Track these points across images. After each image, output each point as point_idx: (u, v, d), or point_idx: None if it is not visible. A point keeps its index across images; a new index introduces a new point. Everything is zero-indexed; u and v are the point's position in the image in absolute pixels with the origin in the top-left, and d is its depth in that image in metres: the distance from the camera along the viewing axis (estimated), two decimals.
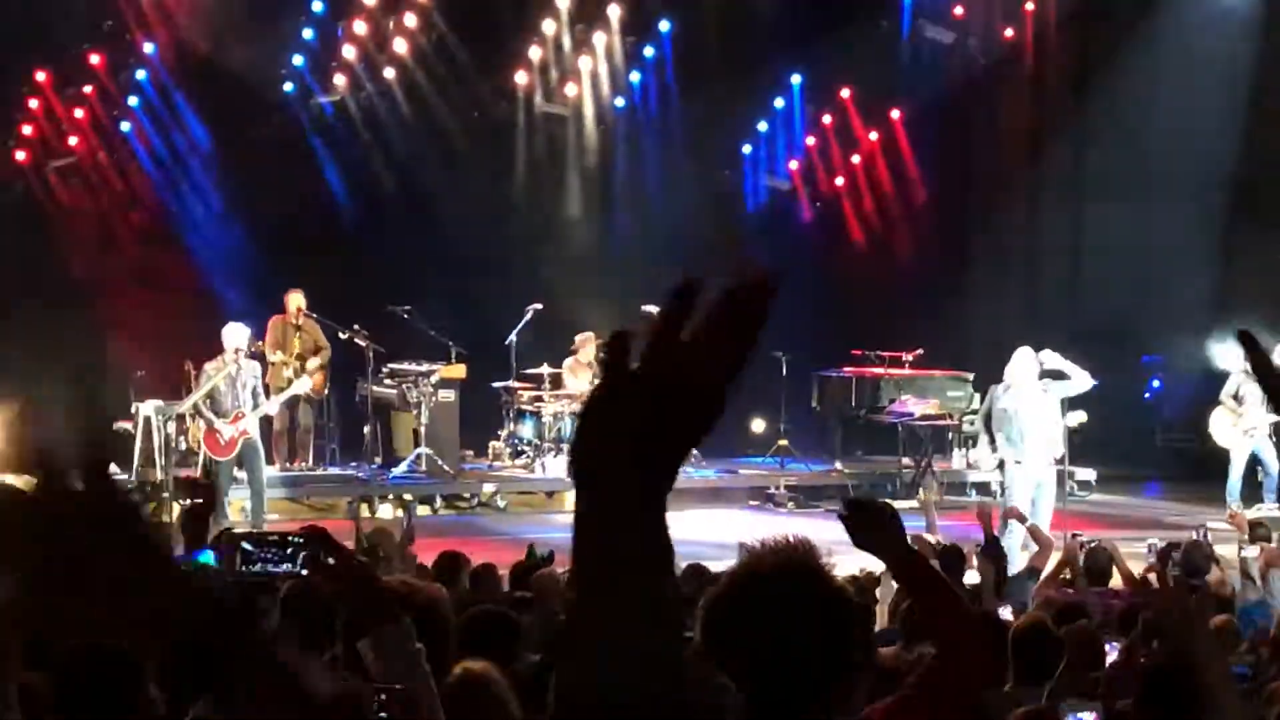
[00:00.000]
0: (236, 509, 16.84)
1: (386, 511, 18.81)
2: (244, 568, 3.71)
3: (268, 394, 17.64)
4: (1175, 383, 24.84)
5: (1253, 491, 19.05)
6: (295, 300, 19.75)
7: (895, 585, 10.42)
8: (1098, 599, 10.06)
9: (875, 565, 11.25)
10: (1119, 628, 8.09)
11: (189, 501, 4.98)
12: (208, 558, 4.89)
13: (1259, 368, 2.90)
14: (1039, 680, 6.70)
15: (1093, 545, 11.63)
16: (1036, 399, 15.54)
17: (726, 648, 2.83)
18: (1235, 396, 19.19)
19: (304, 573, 3.63)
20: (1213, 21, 23.70)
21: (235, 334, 16.53)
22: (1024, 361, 15.68)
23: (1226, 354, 20.23)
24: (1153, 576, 11.32)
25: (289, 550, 3.69)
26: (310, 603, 4.41)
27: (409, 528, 11.92)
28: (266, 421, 18.61)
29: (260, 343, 19.05)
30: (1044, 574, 11.18)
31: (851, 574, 10.57)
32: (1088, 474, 21.00)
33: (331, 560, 3.44)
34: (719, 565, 11.04)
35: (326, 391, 20.33)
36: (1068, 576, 11.06)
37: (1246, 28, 23.72)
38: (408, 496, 15.12)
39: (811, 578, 2.88)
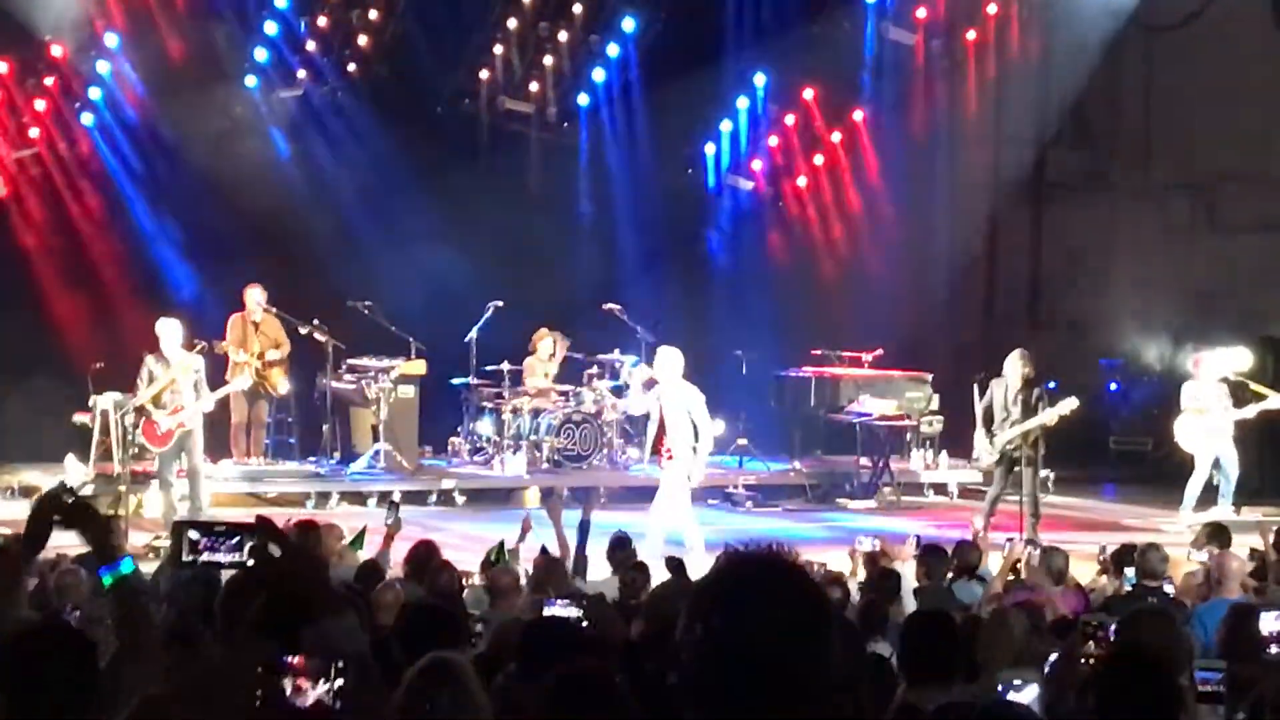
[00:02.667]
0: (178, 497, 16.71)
1: (343, 509, 18.78)
2: (190, 557, 3.70)
3: (214, 389, 17.58)
4: (1132, 386, 24.98)
5: (1205, 494, 19.12)
6: (254, 296, 19.70)
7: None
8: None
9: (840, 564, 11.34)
10: (1053, 633, 8.15)
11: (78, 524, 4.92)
12: (127, 566, 4.86)
13: None
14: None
15: (1048, 547, 11.70)
16: (673, 399, 15.46)
17: (711, 640, 2.85)
18: (1195, 399, 19.24)
19: (250, 563, 3.63)
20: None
21: (169, 329, 16.57)
22: (671, 360, 15.59)
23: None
24: (1104, 580, 11.45)
25: (236, 540, 3.68)
26: (247, 596, 4.42)
27: (395, 522, 12.02)
28: (225, 415, 18.62)
29: (223, 343, 19.02)
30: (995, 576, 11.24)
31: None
32: (1043, 475, 21.04)
33: (277, 551, 3.45)
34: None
35: (286, 389, 20.27)
36: (1013, 578, 11.13)
37: None
38: (396, 497, 15.22)
39: (797, 575, 2.90)
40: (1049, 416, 16.89)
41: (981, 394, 17.88)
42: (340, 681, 3.37)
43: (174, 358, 16.50)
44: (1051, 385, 17.32)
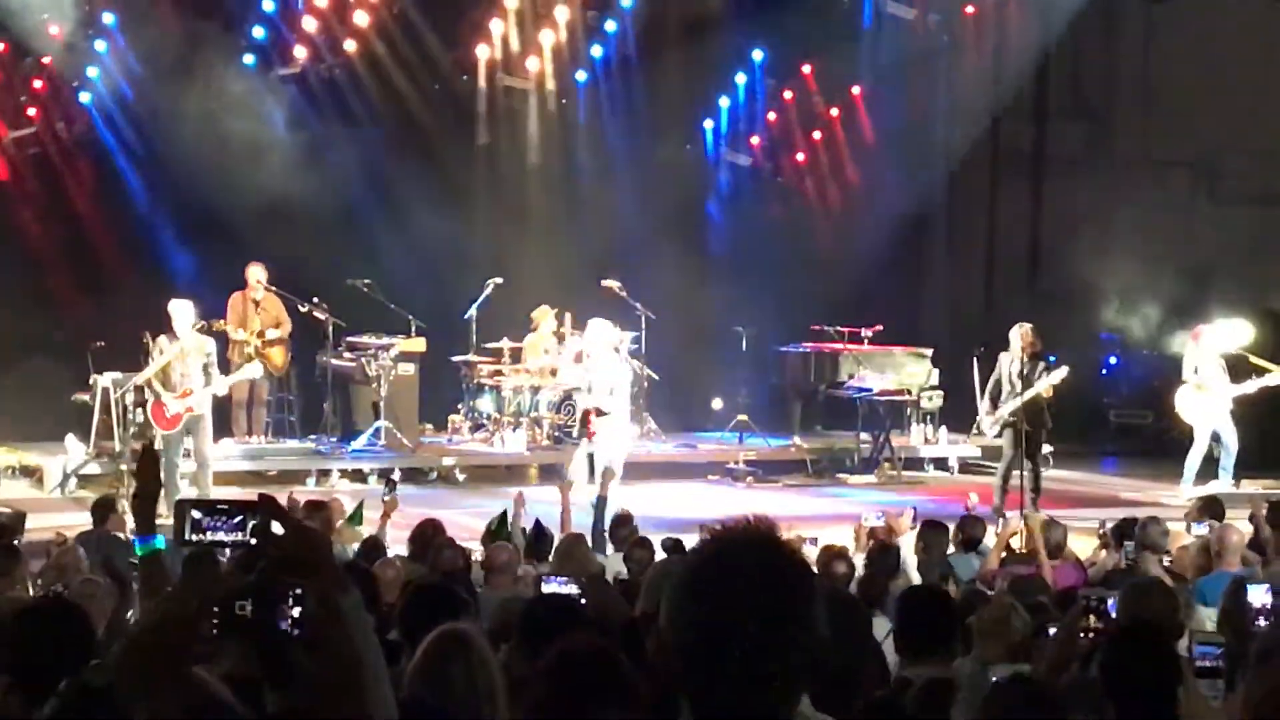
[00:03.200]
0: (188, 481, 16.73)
1: (344, 486, 18.79)
2: (194, 536, 3.70)
3: (226, 370, 17.57)
4: (1131, 359, 25.00)
5: (1206, 468, 19.18)
6: (255, 274, 19.74)
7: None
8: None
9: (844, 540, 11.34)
10: (1058, 604, 8.17)
11: (136, 480, 5.04)
12: (160, 542, 4.91)
13: None
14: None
15: (1048, 519, 11.70)
16: (601, 371, 15.41)
17: (692, 623, 2.85)
18: (1195, 371, 19.26)
19: (254, 542, 3.62)
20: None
21: (181, 310, 16.49)
22: (601, 332, 15.66)
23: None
24: (1104, 554, 11.46)
25: (240, 519, 3.68)
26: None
27: (392, 499, 12.04)
28: (227, 394, 18.59)
29: (221, 321, 19.02)
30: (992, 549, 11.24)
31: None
32: (1043, 449, 21.06)
33: (281, 529, 3.44)
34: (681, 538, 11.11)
35: (287, 368, 20.31)
36: (1006, 554, 11.14)
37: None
38: (396, 477, 15.09)
39: (777, 551, 2.90)
40: (1041, 387, 16.99)
41: (981, 368, 17.90)
42: (299, 610, 3.38)
43: (185, 339, 16.44)
44: (1051, 358, 17.35)
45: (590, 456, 15.20)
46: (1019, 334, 17.17)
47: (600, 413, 15.19)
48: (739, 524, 2.92)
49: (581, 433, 15.51)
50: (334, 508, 11.65)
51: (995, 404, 17.30)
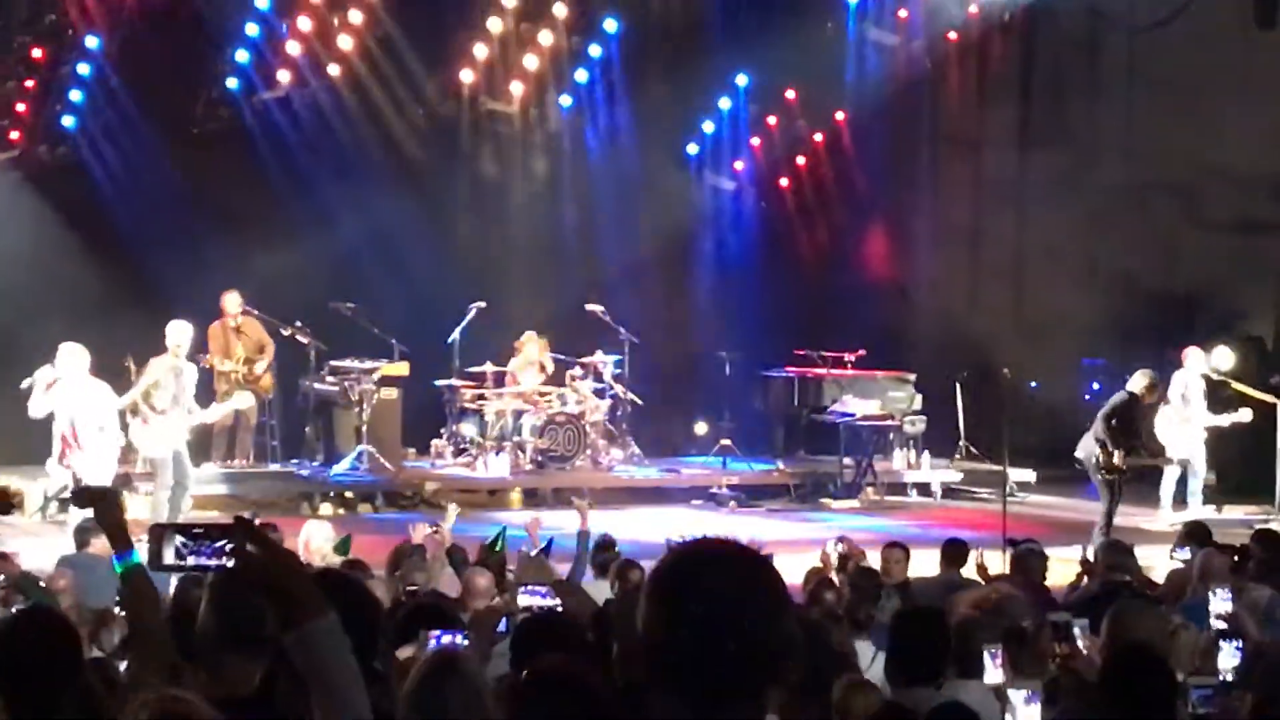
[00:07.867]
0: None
1: (327, 510, 18.77)
2: (173, 561, 3.68)
3: (209, 401, 17.54)
4: (1115, 386, 25.00)
5: (1177, 491, 19.26)
6: (232, 301, 19.71)
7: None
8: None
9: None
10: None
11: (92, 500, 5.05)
12: (136, 557, 4.90)
13: None
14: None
15: (1027, 548, 11.67)
16: (81, 399, 15.47)
17: (671, 631, 2.88)
18: (1182, 397, 19.32)
19: (231, 565, 3.60)
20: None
21: (178, 331, 16.42)
22: (76, 358, 15.62)
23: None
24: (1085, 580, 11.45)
25: (220, 543, 3.65)
26: (240, 594, 4.43)
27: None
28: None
29: (204, 355, 18.87)
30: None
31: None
32: (1026, 475, 21.08)
33: (256, 550, 3.43)
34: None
35: (272, 394, 20.28)
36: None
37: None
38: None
39: (740, 560, 2.95)
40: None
41: (964, 393, 17.82)
42: None
43: (180, 359, 16.31)
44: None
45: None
46: (1147, 382, 17.03)
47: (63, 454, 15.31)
48: (702, 538, 2.98)
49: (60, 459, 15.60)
50: (318, 530, 11.55)
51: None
